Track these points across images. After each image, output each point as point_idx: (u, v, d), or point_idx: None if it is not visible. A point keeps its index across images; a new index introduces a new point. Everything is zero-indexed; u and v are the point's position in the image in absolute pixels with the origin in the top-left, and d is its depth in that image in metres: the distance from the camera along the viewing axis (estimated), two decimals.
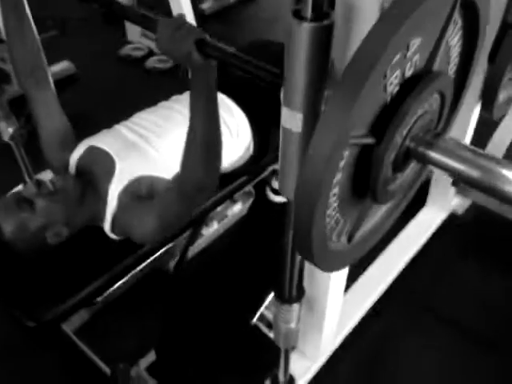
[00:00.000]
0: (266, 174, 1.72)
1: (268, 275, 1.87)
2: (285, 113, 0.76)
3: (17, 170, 2.07)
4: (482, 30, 0.80)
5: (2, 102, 1.79)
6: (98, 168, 1.36)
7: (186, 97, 1.61)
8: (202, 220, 1.79)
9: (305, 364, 1.62)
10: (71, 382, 1.69)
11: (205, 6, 3.76)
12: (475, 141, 1.93)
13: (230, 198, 1.64)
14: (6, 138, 1.85)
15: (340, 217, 0.75)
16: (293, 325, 1.18)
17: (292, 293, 1.10)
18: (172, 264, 1.86)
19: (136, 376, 1.42)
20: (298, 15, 0.67)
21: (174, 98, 1.63)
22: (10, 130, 1.82)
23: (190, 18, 2.15)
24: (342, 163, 0.66)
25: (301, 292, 1.12)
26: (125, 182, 1.31)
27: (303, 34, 0.66)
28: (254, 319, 1.27)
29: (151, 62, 3.35)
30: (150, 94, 2.95)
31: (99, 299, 1.42)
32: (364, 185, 0.73)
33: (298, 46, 0.68)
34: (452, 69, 0.83)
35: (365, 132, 0.66)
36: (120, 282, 1.45)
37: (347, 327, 1.76)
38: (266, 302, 1.30)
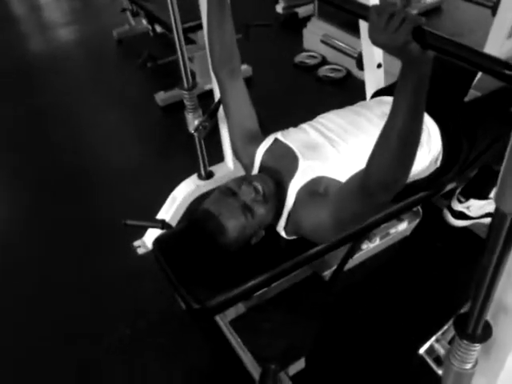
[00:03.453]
0: (444, 191, 1.59)
1: (440, 302, 1.77)
2: None
3: (192, 159, 2.23)
4: None
5: (192, 95, 1.93)
6: (282, 163, 1.36)
7: (373, 103, 1.57)
8: (364, 234, 1.73)
9: None
10: (214, 366, 1.75)
11: None
12: None
13: (404, 213, 1.54)
14: (191, 128, 1.99)
15: None
16: (468, 366, 1.05)
17: (477, 329, 0.97)
18: (327, 273, 1.82)
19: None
20: None
21: (362, 102, 1.58)
22: (196, 121, 1.95)
23: None
24: None
25: (488, 331, 0.98)
26: (306, 180, 1.30)
27: None
28: (422, 350, 1.15)
29: (323, 71, 3.37)
30: (320, 102, 3.02)
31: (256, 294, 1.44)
32: None
33: None
34: None
35: None
36: (278, 282, 1.46)
37: None
38: (439, 334, 1.17)
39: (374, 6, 0.86)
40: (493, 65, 0.73)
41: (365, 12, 0.89)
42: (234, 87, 1.46)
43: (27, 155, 2.92)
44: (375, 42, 0.88)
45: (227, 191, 1.28)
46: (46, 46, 4.22)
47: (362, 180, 1.10)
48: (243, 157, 1.48)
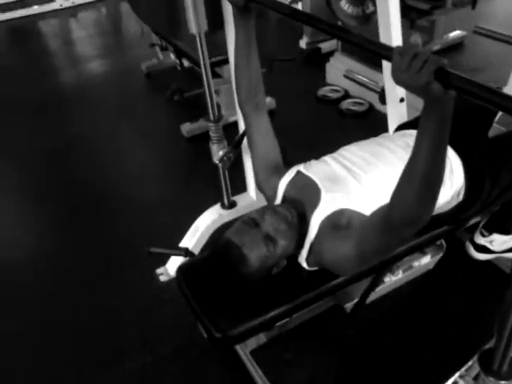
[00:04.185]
0: (468, 225, 1.59)
1: (463, 337, 1.74)
2: None
3: (216, 189, 2.27)
4: None
5: (218, 127, 1.98)
6: (305, 195, 1.38)
7: (396, 136, 1.59)
8: (387, 266, 1.73)
9: None
10: None
11: None
12: None
13: (427, 246, 1.53)
14: (215, 159, 2.03)
15: None
16: None
17: (503, 366, 0.96)
18: (349, 305, 1.81)
19: None
20: None
21: (385, 134, 1.61)
22: (221, 152, 2.00)
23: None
24: None
25: None
26: (328, 212, 1.32)
27: None
28: None
29: (346, 104, 3.42)
30: (342, 135, 3.06)
31: (277, 324, 1.44)
32: None
33: None
34: None
35: None
36: (299, 313, 1.46)
37: None
38: (463, 370, 1.15)
39: (398, 47, 0.90)
40: None
41: (387, 52, 0.93)
42: (259, 121, 1.51)
43: (55, 182, 3.00)
44: (398, 81, 0.91)
45: (250, 221, 1.30)
46: (77, 78, 4.38)
47: (385, 215, 1.12)
48: (266, 188, 1.51)
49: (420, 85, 0.86)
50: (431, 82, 0.85)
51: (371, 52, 1.01)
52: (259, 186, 1.54)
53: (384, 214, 1.12)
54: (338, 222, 1.30)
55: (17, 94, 4.05)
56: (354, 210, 1.31)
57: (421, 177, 1.00)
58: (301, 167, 1.46)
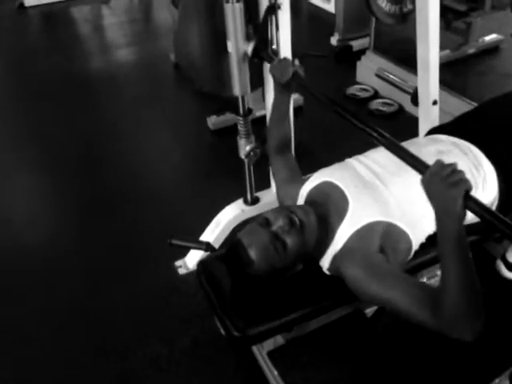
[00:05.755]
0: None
1: (489, 352, 1.68)
2: None
3: (239, 183, 2.25)
4: None
5: (247, 121, 1.96)
6: (331, 203, 1.34)
7: (426, 140, 1.55)
8: (411, 274, 1.68)
9: None
10: None
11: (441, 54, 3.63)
12: None
13: None
14: (242, 154, 2.01)
15: None
16: None
17: None
18: (370, 310, 1.77)
19: None
20: None
21: (415, 139, 1.57)
22: (248, 147, 1.97)
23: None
24: None
25: None
26: (357, 227, 1.27)
27: None
28: None
29: (375, 104, 3.36)
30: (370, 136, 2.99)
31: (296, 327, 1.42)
32: None
33: None
34: None
35: None
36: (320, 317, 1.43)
37: None
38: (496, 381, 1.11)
39: (440, 160, 1.01)
40: None
41: (422, 167, 1.08)
42: (283, 162, 1.63)
43: (78, 169, 3.02)
44: (429, 187, 0.99)
45: (263, 221, 1.28)
46: (105, 64, 4.39)
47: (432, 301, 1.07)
48: (286, 200, 1.52)
49: (449, 197, 0.94)
50: (460, 197, 0.94)
51: (407, 163, 1.15)
52: (280, 201, 1.55)
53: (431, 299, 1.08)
54: (369, 245, 1.25)
55: (45, 79, 4.08)
56: (386, 221, 1.27)
57: (458, 289, 1.00)
58: (324, 173, 1.44)
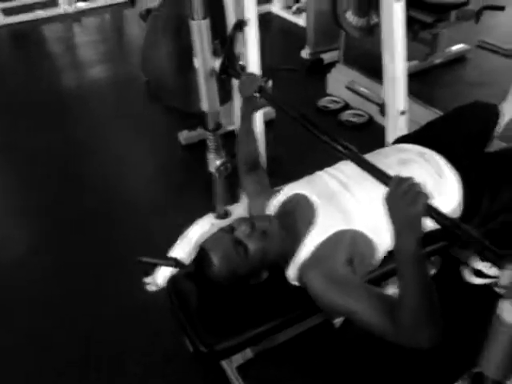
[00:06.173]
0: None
1: (452, 357, 1.69)
2: None
3: (211, 197, 2.24)
4: None
5: (216, 136, 1.95)
6: (299, 214, 1.36)
7: (390, 150, 1.56)
8: (378, 283, 1.69)
9: None
10: None
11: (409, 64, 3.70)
12: None
13: None
14: (211, 168, 2.00)
15: None
16: None
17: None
18: (338, 320, 1.77)
19: None
20: None
21: (380, 150, 1.59)
22: (218, 162, 1.97)
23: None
24: None
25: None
26: (324, 236, 1.28)
27: None
28: None
29: (345, 115, 3.39)
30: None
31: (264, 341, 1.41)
32: None
33: None
34: None
35: None
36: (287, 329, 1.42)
37: None
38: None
39: (395, 177, 1.03)
40: None
41: (384, 178, 1.12)
42: (252, 179, 1.65)
43: (49, 184, 2.98)
44: (391, 206, 0.99)
45: (227, 228, 1.30)
46: (77, 82, 4.36)
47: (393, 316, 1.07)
48: (255, 213, 1.53)
49: (409, 215, 0.95)
50: (419, 214, 0.95)
51: (373, 175, 1.19)
52: (250, 214, 1.56)
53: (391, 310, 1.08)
54: (335, 255, 1.25)
55: (17, 98, 4.03)
56: (352, 229, 1.28)
57: (415, 305, 1.01)
58: (295, 186, 1.45)
